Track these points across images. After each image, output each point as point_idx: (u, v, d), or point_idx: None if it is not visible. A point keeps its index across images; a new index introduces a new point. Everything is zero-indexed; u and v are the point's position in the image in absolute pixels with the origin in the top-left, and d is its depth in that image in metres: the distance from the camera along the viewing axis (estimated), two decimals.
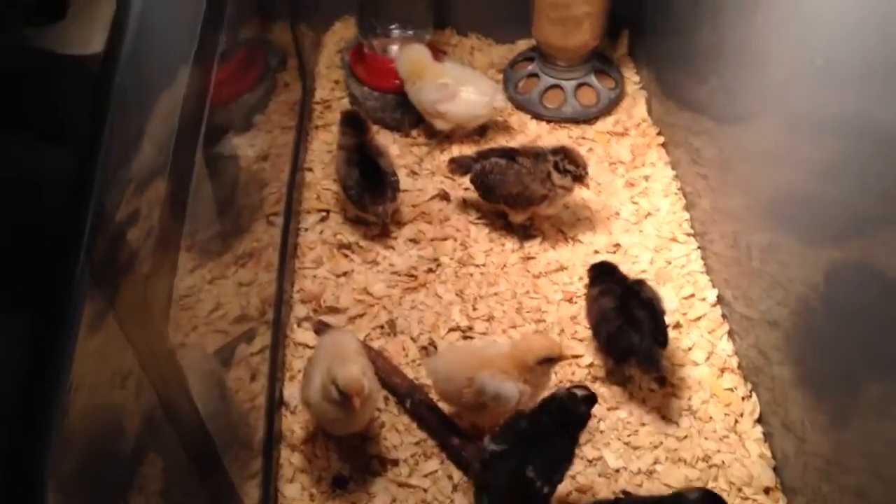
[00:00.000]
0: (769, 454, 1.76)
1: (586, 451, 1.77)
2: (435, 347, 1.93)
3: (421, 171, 2.32)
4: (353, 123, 2.10)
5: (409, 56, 2.29)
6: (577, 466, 1.74)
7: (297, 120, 2.37)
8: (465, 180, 2.23)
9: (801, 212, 1.83)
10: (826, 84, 1.57)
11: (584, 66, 2.46)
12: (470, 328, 1.98)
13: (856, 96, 1.49)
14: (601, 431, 1.81)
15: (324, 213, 2.22)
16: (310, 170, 2.33)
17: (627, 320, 1.80)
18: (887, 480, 1.41)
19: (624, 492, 1.69)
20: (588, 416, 1.58)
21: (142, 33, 1.23)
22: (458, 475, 1.73)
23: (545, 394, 1.65)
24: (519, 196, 2.07)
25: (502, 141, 2.41)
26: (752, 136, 2.02)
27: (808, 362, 1.76)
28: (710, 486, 1.71)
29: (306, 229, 2.19)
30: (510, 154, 2.11)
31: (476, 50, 2.68)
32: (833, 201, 1.69)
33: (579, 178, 2.04)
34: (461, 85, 2.28)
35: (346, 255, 2.13)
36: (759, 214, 1.99)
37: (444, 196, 2.26)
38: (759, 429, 1.79)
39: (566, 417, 1.57)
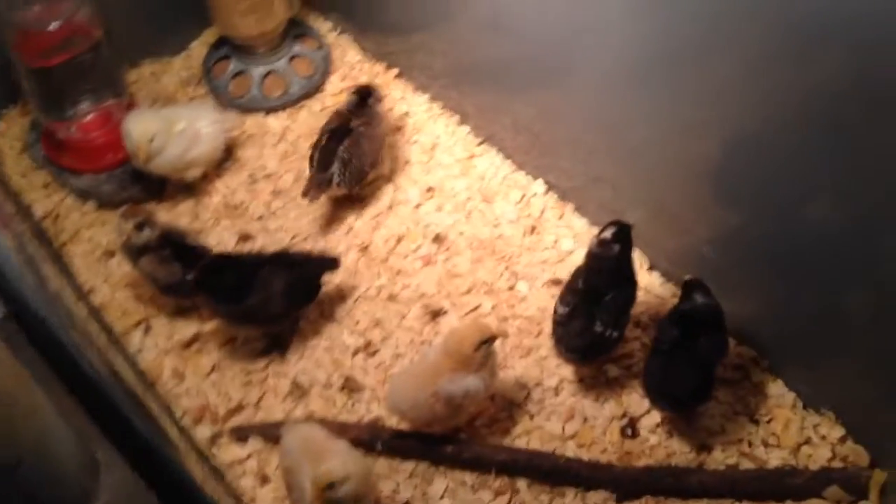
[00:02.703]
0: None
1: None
2: (355, 381, 1.85)
3: (206, 225, 2.12)
4: (142, 222, 1.85)
5: (144, 132, 2.00)
6: None
7: (40, 249, 2.04)
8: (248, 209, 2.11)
9: (528, 59, 1.94)
10: None
11: (284, 41, 2.33)
12: (368, 343, 1.90)
13: None
14: None
15: (143, 324, 1.98)
16: (91, 291, 2.04)
17: None
18: None
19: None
20: (622, 252, 1.70)
21: None
22: (469, 477, 1.71)
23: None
24: (378, 153, 2.10)
25: (254, 151, 2.25)
26: (458, 26, 2.09)
27: (643, 190, 1.89)
28: None
29: (139, 351, 1.94)
30: (343, 132, 2.04)
31: (158, 74, 2.42)
32: (544, 46, 1.86)
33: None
34: (195, 123, 2.08)
35: (200, 350, 1.93)
36: (507, 88, 2.08)
37: (245, 237, 2.10)
38: (656, 274, 1.95)
39: (610, 264, 1.70)
